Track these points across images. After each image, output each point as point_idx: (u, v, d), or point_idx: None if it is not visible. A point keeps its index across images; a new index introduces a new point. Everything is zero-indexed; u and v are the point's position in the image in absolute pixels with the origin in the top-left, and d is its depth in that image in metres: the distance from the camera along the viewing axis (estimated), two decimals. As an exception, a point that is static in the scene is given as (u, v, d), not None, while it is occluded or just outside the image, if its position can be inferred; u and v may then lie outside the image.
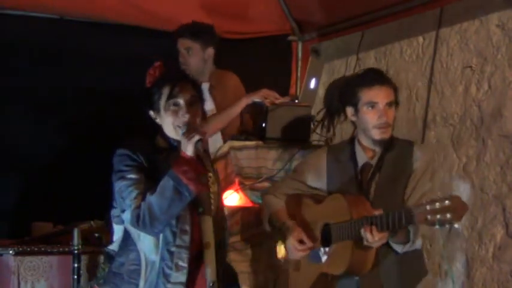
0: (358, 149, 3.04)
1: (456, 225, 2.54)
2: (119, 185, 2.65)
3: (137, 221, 2.58)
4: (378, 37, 4.49)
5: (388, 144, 3.02)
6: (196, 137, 2.58)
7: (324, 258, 2.99)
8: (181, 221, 2.66)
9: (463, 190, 3.74)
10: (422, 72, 4.15)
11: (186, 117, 2.67)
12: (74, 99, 4.28)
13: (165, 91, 2.69)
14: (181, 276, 2.65)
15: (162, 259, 2.64)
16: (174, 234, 2.65)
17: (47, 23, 4.27)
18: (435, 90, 4.04)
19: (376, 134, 2.96)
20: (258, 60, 4.68)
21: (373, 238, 2.73)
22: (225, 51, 4.18)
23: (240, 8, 4.57)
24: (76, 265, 3.54)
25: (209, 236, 2.71)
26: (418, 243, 2.93)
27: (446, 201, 2.48)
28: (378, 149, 3.02)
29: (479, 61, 3.79)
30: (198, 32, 4.02)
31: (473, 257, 3.71)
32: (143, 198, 2.58)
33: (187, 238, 2.66)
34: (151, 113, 2.75)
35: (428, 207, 2.52)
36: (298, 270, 3.13)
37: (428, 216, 2.51)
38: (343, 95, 3.09)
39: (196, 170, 2.58)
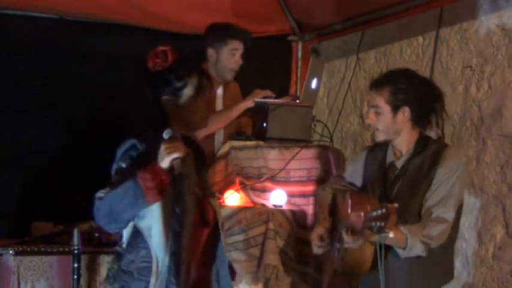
0: (390, 147, 3.10)
1: (390, 235, 2.57)
2: None
3: (94, 212, 2.59)
4: (378, 37, 4.49)
5: (419, 147, 3.02)
6: (175, 155, 2.54)
7: (336, 254, 3.06)
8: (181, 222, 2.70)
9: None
10: (422, 72, 4.13)
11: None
12: (74, 99, 4.28)
13: (194, 81, 2.72)
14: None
15: (173, 254, 2.66)
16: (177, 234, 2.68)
17: (47, 23, 4.27)
18: (435, 90, 4.04)
19: (373, 135, 3.08)
20: (258, 60, 4.68)
21: (346, 239, 2.76)
22: (225, 51, 4.17)
23: (240, 8, 4.57)
24: (76, 265, 3.54)
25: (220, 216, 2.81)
26: (416, 251, 2.86)
27: (384, 209, 2.52)
28: (404, 151, 3.04)
29: (479, 61, 3.79)
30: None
31: (473, 257, 3.71)
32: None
33: (186, 239, 2.70)
34: (166, 97, 2.73)
35: (374, 213, 2.56)
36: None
37: (372, 223, 2.56)
38: None
39: (160, 182, 2.53)
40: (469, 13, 3.84)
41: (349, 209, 2.86)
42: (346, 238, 2.76)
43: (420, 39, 4.20)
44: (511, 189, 3.55)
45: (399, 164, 3.03)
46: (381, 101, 2.99)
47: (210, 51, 3.98)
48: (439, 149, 3.00)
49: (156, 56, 2.72)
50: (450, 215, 2.90)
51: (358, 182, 3.20)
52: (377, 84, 3.04)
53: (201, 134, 3.83)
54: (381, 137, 3.04)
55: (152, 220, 2.65)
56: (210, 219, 2.80)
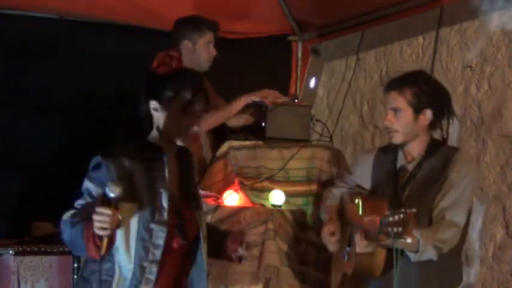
0: (400, 151, 3.06)
1: (408, 241, 2.52)
2: None
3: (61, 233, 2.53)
4: (377, 37, 4.49)
5: (431, 150, 3.00)
6: (102, 233, 2.39)
7: (346, 258, 3.05)
8: (155, 235, 2.56)
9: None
10: (422, 72, 4.14)
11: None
12: (74, 99, 4.28)
13: (186, 95, 2.60)
14: None
15: (134, 273, 2.55)
16: (146, 249, 2.56)
17: (47, 23, 4.27)
18: (435, 90, 4.04)
19: (388, 137, 3.04)
20: (258, 60, 4.68)
21: (360, 243, 2.76)
22: (225, 51, 4.17)
23: (240, 8, 4.58)
24: (76, 265, 3.55)
25: (204, 229, 2.70)
26: (428, 254, 2.82)
27: (401, 215, 2.49)
28: (416, 154, 3.01)
29: (479, 61, 3.79)
30: None
31: (473, 257, 3.71)
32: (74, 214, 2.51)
33: (159, 253, 2.57)
34: (154, 103, 2.62)
35: (390, 218, 2.52)
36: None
37: (389, 229, 2.52)
38: None
39: (96, 245, 2.43)
40: (469, 13, 3.84)
41: (362, 213, 2.85)
42: (360, 242, 2.74)
43: (420, 39, 4.20)
44: (511, 189, 3.56)
45: (410, 167, 3.00)
46: (403, 103, 2.94)
47: (186, 43, 3.99)
48: (450, 153, 2.98)
49: (163, 59, 2.68)
50: (462, 219, 2.88)
51: (367, 184, 3.16)
52: (397, 85, 2.97)
53: (203, 128, 3.83)
54: (399, 139, 2.99)
55: (119, 235, 2.52)
56: (188, 233, 2.66)
